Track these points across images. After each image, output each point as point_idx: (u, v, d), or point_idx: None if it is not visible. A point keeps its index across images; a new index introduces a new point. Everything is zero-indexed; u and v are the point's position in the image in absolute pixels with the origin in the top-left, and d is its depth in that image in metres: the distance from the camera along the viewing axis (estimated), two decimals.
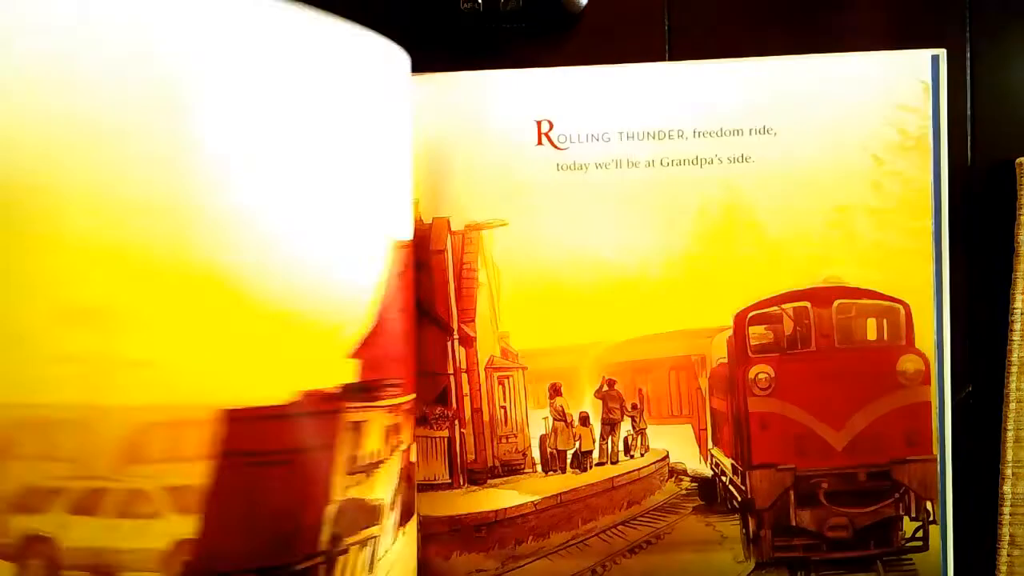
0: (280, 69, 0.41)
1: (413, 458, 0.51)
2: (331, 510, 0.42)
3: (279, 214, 0.41)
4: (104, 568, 0.39)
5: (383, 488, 0.45)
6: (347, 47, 0.44)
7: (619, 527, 0.56)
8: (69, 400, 0.37)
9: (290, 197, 0.41)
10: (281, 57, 0.41)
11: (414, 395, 0.50)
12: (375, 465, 0.45)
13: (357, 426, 0.44)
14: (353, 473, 0.43)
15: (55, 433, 0.38)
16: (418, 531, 0.54)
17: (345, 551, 0.43)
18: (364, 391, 0.44)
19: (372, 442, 0.45)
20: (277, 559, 0.40)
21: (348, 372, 0.42)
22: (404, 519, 0.49)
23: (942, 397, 0.55)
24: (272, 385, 0.40)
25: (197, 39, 0.39)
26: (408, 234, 0.50)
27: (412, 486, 0.51)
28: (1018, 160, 0.54)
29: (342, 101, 0.44)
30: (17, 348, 0.37)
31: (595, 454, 0.56)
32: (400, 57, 0.48)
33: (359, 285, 0.43)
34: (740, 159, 0.55)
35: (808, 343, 0.57)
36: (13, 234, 0.37)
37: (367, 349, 0.44)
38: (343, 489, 0.43)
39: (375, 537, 0.45)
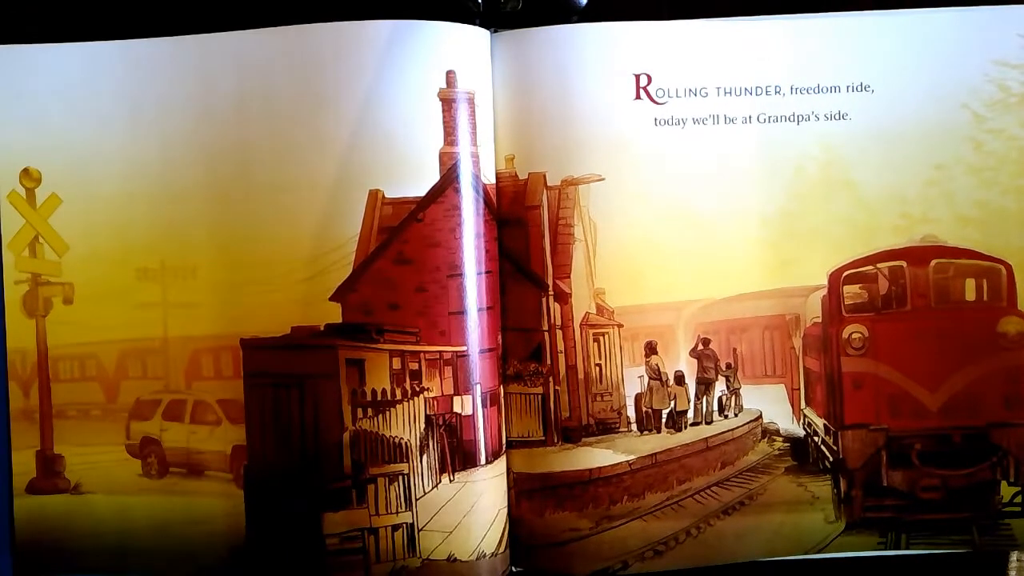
0: None
1: (461, 410, 0.53)
2: (347, 437, 0.50)
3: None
4: (194, 466, 0.54)
5: (402, 428, 0.51)
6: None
7: (713, 488, 0.55)
8: (150, 334, 0.53)
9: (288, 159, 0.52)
10: None
11: (448, 347, 0.52)
12: (388, 404, 0.51)
13: (357, 363, 0.51)
14: (362, 406, 0.51)
15: (147, 358, 0.54)
16: (512, 488, 0.53)
17: (372, 480, 0.50)
18: (355, 332, 0.51)
19: (376, 380, 0.51)
20: (310, 478, 0.50)
21: (331, 313, 0.51)
22: (452, 467, 0.52)
23: None
24: (272, 321, 0.51)
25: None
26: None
27: (462, 437, 0.53)
28: None
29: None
30: (115, 299, 0.53)
31: (690, 414, 0.56)
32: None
33: (339, 237, 0.51)
34: (837, 116, 0.55)
35: (903, 303, 0.56)
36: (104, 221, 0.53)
37: (348, 295, 0.51)
38: (355, 420, 0.50)
39: (404, 474, 0.51)
